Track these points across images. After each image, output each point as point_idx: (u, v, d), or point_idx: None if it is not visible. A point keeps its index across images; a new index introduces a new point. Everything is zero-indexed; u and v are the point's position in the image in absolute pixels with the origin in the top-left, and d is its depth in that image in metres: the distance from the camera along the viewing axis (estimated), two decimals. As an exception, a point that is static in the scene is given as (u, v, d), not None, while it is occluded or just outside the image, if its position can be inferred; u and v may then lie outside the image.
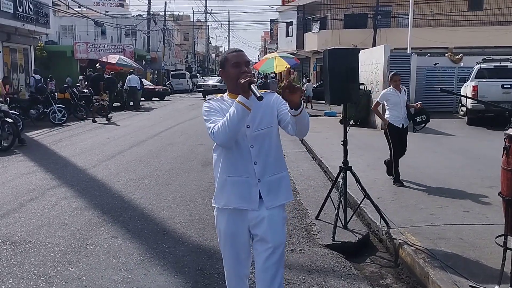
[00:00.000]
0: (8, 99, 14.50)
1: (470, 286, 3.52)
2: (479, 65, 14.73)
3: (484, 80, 13.95)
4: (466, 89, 14.71)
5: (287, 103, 2.48)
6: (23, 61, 23.03)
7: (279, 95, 2.62)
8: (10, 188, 7.04)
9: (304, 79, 28.19)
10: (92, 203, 6.26)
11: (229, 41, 76.93)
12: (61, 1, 30.18)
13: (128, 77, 22.75)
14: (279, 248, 2.66)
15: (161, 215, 5.74)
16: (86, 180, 7.60)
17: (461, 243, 4.41)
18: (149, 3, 37.07)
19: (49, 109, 15.55)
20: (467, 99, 14.32)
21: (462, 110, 16.41)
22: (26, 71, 23.31)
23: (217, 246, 4.63)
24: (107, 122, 16.52)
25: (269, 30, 61.27)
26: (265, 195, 2.65)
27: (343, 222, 5.12)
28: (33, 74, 20.66)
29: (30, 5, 20.61)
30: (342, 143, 5.28)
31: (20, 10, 19.82)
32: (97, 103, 16.98)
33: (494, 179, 7.08)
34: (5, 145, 10.61)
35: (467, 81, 15.02)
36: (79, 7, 30.55)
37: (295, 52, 34.41)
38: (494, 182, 6.86)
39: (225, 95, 2.70)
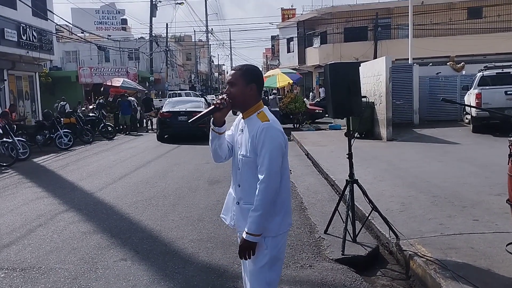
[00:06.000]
0: (15, 126, 14.65)
1: None
2: (481, 73, 14.73)
3: (487, 88, 13.94)
4: (470, 97, 14.70)
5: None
6: (28, 88, 23.30)
7: (267, 129, 2.49)
8: (19, 214, 7.07)
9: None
10: (100, 226, 6.27)
11: (231, 59, 77.51)
12: (64, 28, 30.63)
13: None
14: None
15: (170, 236, 5.73)
16: (93, 204, 7.62)
17: (472, 252, 4.37)
18: (151, 26, 37.50)
19: (55, 134, 15.67)
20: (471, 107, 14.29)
21: (467, 118, 16.37)
22: (31, 98, 23.56)
23: (226, 265, 4.65)
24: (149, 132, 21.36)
25: (270, 47, 61.71)
26: (236, 219, 2.70)
27: (352, 236, 5.09)
28: (61, 102, 22.66)
29: (33, 32, 20.93)
30: (347, 156, 5.28)
31: (24, 38, 20.13)
32: (149, 118, 22.70)
33: (503, 186, 7.03)
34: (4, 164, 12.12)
35: (470, 89, 15.01)
36: (82, 33, 30.96)
37: (297, 67, 34.66)
38: (503, 190, 6.81)
39: None
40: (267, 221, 2.52)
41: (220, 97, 2.65)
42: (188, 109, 16.64)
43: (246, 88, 2.57)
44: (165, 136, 17.15)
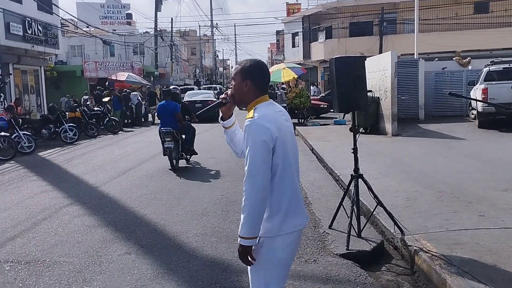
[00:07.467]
0: (20, 120, 14.71)
1: None
2: (487, 68, 14.63)
3: (494, 83, 13.83)
4: (476, 92, 14.61)
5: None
6: (34, 82, 23.38)
7: (249, 126, 2.41)
8: (24, 208, 7.10)
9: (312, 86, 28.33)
10: (105, 220, 6.28)
11: (236, 54, 77.68)
12: (69, 22, 30.65)
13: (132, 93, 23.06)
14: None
15: (174, 230, 5.74)
16: (98, 197, 7.64)
17: (477, 248, 4.34)
18: (156, 20, 37.48)
19: (60, 128, 15.72)
20: (477, 102, 14.21)
21: (472, 114, 16.27)
22: (37, 92, 23.63)
23: (230, 259, 4.64)
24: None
25: (275, 42, 61.58)
26: None
27: (356, 231, 5.08)
28: (84, 96, 23.22)
29: (39, 27, 20.95)
30: (352, 151, 5.25)
31: (30, 32, 20.16)
32: (154, 111, 22.24)
33: (509, 182, 7.02)
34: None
35: (476, 84, 14.92)
36: (87, 27, 30.99)
37: (302, 62, 34.52)
38: (509, 185, 6.79)
39: None
40: (259, 222, 2.41)
41: (225, 91, 2.68)
42: (202, 99, 22.14)
43: (242, 84, 2.55)
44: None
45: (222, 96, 2.65)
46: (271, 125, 2.39)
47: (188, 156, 10.61)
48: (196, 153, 10.79)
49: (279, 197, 2.47)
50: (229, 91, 2.65)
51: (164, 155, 9.94)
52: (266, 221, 2.45)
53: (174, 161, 9.85)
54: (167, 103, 10.05)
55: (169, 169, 9.88)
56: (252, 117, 2.42)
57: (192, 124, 10.83)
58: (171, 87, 11.14)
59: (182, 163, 10.41)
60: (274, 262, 2.49)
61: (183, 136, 10.24)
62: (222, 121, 2.69)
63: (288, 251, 2.53)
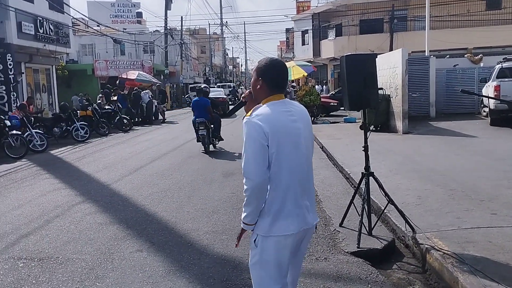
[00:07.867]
0: (32, 118, 14.85)
1: None
2: (500, 65, 14.48)
3: (506, 80, 13.69)
4: (488, 89, 14.46)
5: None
6: (45, 81, 23.58)
7: (245, 124, 2.48)
8: (36, 205, 7.17)
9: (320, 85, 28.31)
10: (116, 217, 6.33)
11: (245, 52, 77.70)
12: (80, 21, 30.84)
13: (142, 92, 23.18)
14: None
15: (185, 227, 5.76)
16: (110, 195, 7.69)
17: (489, 246, 4.31)
18: (166, 19, 37.56)
19: (72, 126, 15.85)
20: (489, 99, 14.07)
21: (484, 111, 16.11)
22: (48, 90, 23.84)
23: (241, 257, 4.66)
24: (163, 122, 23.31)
25: (285, 39, 61.48)
26: None
27: (367, 229, 5.06)
28: (99, 95, 23.44)
29: (50, 26, 21.13)
30: (363, 149, 5.24)
31: (41, 31, 20.34)
32: (164, 109, 24.66)
33: (521, 179, 6.94)
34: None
35: (488, 81, 14.77)
36: (97, 26, 31.16)
37: (311, 60, 34.43)
38: (521, 183, 6.72)
39: None
40: (254, 212, 2.47)
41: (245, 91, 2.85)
42: (213, 96, 21.56)
43: (256, 82, 2.62)
44: None
45: (243, 95, 2.80)
46: (265, 124, 2.42)
47: (216, 141, 12.63)
48: (222, 139, 12.86)
49: (270, 198, 2.49)
50: (247, 91, 2.78)
51: (197, 141, 12.08)
52: (259, 219, 2.51)
53: (206, 145, 11.83)
54: (200, 99, 12.13)
55: (202, 151, 11.88)
56: (249, 116, 2.50)
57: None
58: (202, 86, 14.16)
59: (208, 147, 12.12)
60: (269, 262, 2.52)
61: (212, 126, 12.18)
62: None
63: (285, 254, 2.53)
